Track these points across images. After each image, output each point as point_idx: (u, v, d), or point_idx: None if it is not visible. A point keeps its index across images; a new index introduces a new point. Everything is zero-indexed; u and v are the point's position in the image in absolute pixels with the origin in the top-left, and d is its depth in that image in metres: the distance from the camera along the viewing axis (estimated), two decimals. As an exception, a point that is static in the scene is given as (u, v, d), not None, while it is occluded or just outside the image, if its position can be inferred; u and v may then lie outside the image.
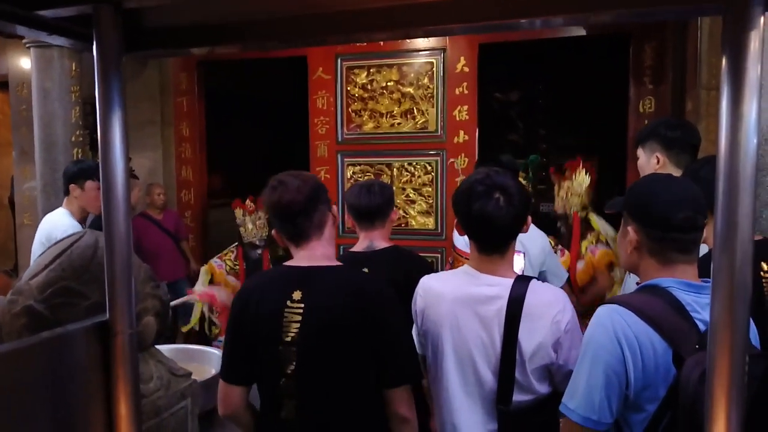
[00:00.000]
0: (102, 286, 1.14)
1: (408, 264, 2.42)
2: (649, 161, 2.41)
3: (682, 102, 4.19)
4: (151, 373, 1.38)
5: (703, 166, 1.90)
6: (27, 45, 4.53)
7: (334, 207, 1.80)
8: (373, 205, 2.43)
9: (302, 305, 1.65)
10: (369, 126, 5.22)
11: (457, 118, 5.01)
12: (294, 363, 1.64)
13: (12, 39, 5.10)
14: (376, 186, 2.48)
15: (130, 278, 1.12)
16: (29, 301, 1.22)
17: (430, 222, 5.03)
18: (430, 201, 5.00)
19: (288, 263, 1.77)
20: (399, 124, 5.17)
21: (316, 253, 1.73)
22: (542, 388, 1.67)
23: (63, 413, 0.97)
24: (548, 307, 1.65)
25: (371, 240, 2.47)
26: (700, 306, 1.37)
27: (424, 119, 5.12)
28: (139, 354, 1.39)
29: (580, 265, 3.78)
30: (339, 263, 1.79)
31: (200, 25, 1.20)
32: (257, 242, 4.39)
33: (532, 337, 1.63)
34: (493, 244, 1.71)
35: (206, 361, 2.73)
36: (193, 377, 1.54)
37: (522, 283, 1.68)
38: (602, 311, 1.43)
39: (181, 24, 1.21)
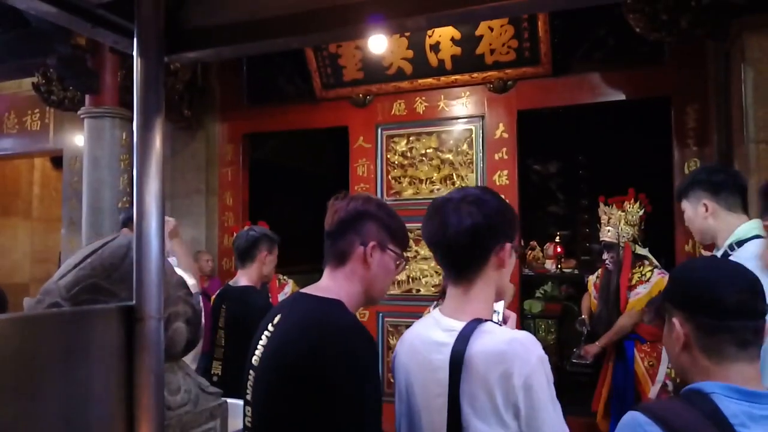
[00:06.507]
0: (132, 286, 1.10)
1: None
2: (697, 211, 2.26)
3: (729, 159, 4.09)
4: (179, 384, 1.30)
5: None
6: (81, 116, 4.75)
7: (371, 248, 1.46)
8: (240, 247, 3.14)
9: (272, 331, 1.41)
10: (408, 192, 5.24)
11: (497, 183, 4.98)
12: (250, 389, 1.40)
13: (68, 112, 5.36)
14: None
15: (160, 268, 1.07)
16: (55, 299, 1.18)
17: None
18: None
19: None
20: (438, 189, 5.16)
21: (321, 283, 1.49)
22: None
23: (77, 392, 0.89)
24: (497, 359, 1.22)
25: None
26: (751, 419, 1.11)
27: (463, 185, 5.10)
28: (168, 363, 1.31)
29: (643, 289, 3.86)
30: (335, 298, 1.41)
31: (242, 22, 1.22)
32: None
33: (473, 400, 1.23)
34: (454, 266, 1.37)
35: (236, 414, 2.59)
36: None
37: (471, 326, 1.28)
38: (625, 418, 1.20)
39: (221, 22, 1.22)
